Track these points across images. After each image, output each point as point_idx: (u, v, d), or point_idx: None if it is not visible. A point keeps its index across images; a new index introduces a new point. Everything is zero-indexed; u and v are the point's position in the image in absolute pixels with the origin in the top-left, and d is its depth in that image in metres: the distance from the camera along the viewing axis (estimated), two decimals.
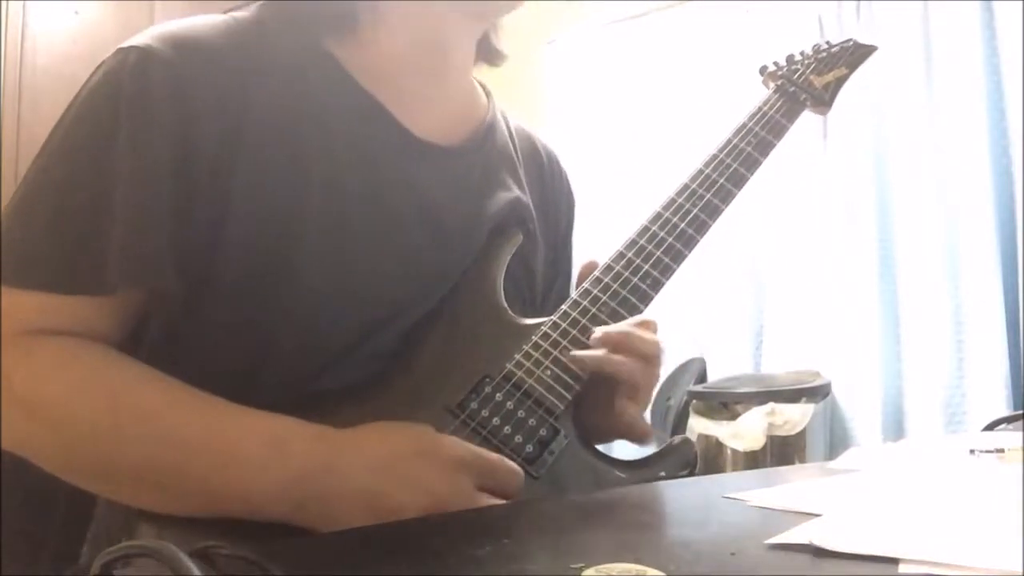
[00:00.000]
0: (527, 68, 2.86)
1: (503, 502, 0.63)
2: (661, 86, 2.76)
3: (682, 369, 2.58)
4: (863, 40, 1.00)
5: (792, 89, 0.92)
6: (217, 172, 0.67)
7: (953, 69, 2.23)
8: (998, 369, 2.09)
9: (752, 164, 0.85)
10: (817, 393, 2.26)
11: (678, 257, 0.79)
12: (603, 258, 0.80)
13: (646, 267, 0.78)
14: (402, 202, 0.74)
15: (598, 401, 0.75)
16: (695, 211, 0.81)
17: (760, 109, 0.90)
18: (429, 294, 0.75)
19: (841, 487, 0.59)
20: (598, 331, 0.74)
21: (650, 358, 0.74)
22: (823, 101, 0.93)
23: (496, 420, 0.70)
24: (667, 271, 0.79)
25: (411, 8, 0.77)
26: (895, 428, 2.27)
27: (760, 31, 2.54)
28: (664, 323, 0.77)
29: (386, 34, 0.77)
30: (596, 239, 1.45)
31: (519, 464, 0.67)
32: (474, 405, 0.70)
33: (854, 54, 0.98)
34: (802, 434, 2.17)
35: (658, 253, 0.79)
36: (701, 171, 0.84)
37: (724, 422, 2.26)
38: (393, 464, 0.61)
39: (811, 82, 0.93)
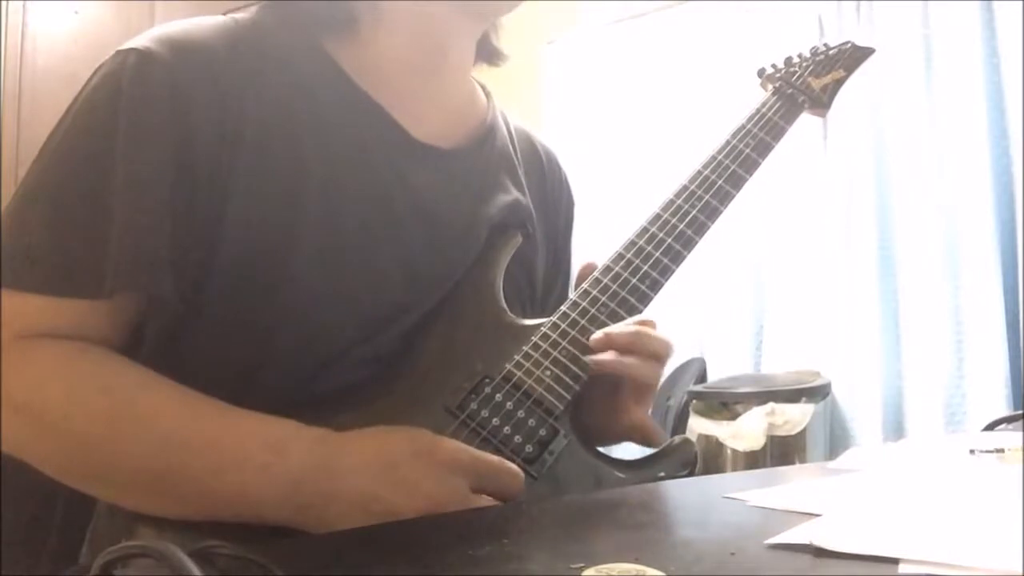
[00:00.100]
0: (527, 68, 2.86)
1: (500, 503, 0.63)
2: (661, 86, 2.76)
3: (682, 369, 2.58)
4: (861, 42, 1.00)
5: (790, 91, 0.92)
6: (216, 173, 0.67)
7: (953, 69, 2.24)
8: (998, 369, 2.10)
9: (750, 166, 0.85)
10: (817, 393, 2.26)
11: (677, 258, 0.79)
12: (602, 259, 0.80)
13: (645, 268, 0.78)
14: (401, 203, 0.74)
15: (601, 402, 0.75)
16: (694, 213, 0.81)
17: (758, 111, 0.90)
18: (428, 295, 0.75)
19: (841, 487, 0.59)
20: (606, 331, 0.73)
21: (661, 357, 0.74)
22: (821, 103, 0.93)
23: (496, 420, 0.70)
24: (666, 272, 0.79)
25: (411, 8, 0.77)
26: (895, 428, 2.27)
27: (760, 31, 2.54)
28: (664, 323, 0.77)
29: (385, 35, 0.77)
30: (596, 240, 1.45)
31: (519, 464, 0.67)
32: (474, 406, 0.70)
33: (852, 56, 0.98)
34: (802, 434, 2.18)
35: (657, 254, 0.79)
36: (700, 173, 0.84)
37: (724, 422, 2.26)
38: (390, 467, 0.61)
39: (809, 84, 0.93)
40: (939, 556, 0.39)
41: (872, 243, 2.32)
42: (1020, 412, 0.93)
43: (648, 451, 0.77)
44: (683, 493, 0.67)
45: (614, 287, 0.77)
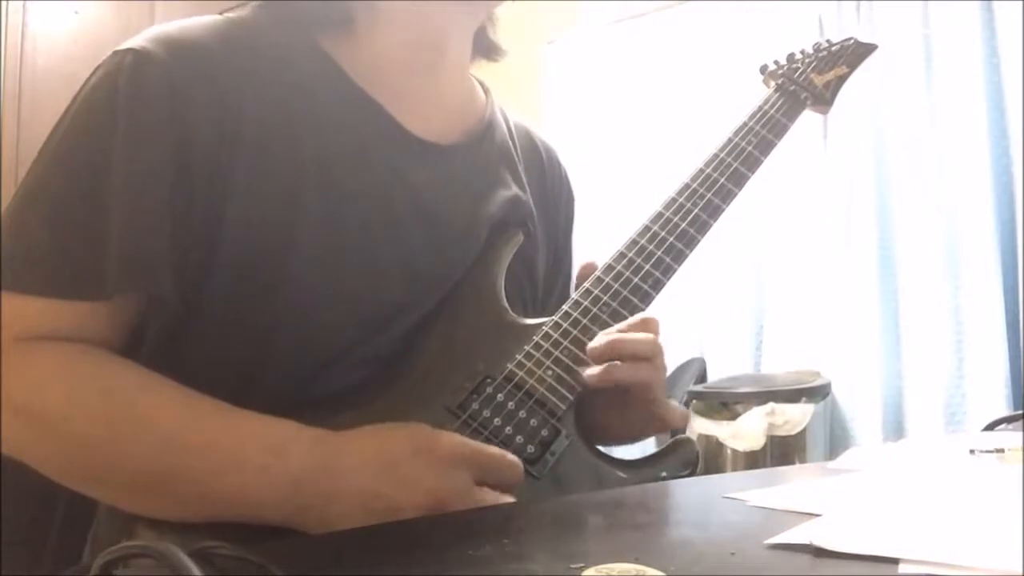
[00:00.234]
0: (527, 68, 2.86)
1: (502, 498, 0.63)
2: (661, 86, 2.76)
3: (682, 369, 2.58)
4: (864, 38, 1.00)
5: (793, 88, 0.92)
6: (214, 173, 0.67)
7: (953, 69, 2.24)
8: (998, 369, 2.10)
9: (753, 163, 0.85)
10: (817, 393, 2.26)
11: (679, 256, 0.79)
12: (604, 258, 0.80)
13: (647, 267, 0.78)
14: (400, 202, 0.74)
15: (610, 402, 0.74)
16: (696, 210, 0.81)
17: (761, 108, 0.90)
18: (428, 294, 0.75)
19: (841, 487, 0.59)
20: (589, 349, 0.73)
21: (645, 357, 0.73)
22: (824, 100, 0.93)
23: (497, 421, 0.70)
24: (669, 271, 0.79)
25: (407, 6, 0.77)
26: (895, 428, 2.27)
27: (760, 31, 2.54)
28: (664, 323, 0.77)
29: (382, 33, 0.77)
30: (596, 239, 1.45)
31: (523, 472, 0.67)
32: (475, 406, 0.70)
33: (855, 53, 0.98)
34: (802, 434, 2.18)
35: (659, 253, 0.79)
36: (702, 170, 0.84)
37: (724, 422, 2.26)
38: (391, 466, 0.61)
39: (812, 81, 0.93)
40: (939, 556, 0.39)
41: (872, 243, 2.32)
42: (1020, 412, 0.93)
43: (649, 451, 0.77)
44: (683, 493, 0.67)
45: (616, 286, 0.77)
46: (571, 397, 0.72)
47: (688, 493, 0.66)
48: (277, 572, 0.36)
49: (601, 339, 0.74)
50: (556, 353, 0.73)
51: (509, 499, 0.63)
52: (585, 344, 0.74)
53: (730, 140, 0.86)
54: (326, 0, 0.76)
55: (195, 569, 0.33)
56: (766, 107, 0.90)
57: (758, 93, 0.93)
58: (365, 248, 0.72)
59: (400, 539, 0.52)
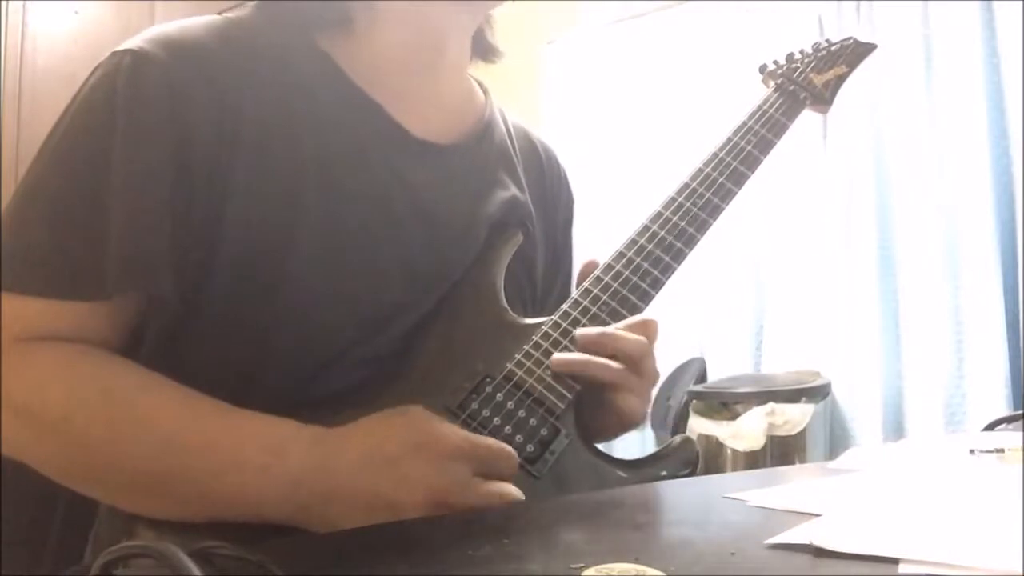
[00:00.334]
0: (527, 68, 2.86)
1: (502, 487, 0.63)
2: (661, 86, 2.76)
3: (682, 369, 2.58)
4: (863, 38, 1.00)
5: (792, 87, 0.92)
6: (214, 173, 0.67)
7: (953, 69, 2.24)
8: (998, 369, 2.10)
9: (753, 163, 0.85)
10: (817, 393, 2.26)
11: (679, 256, 0.79)
12: (604, 257, 0.80)
13: (647, 266, 0.78)
14: (399, 202, 0.74)
15: (596, 400, 0.74)
16: (696, 210, 0.81)
17: (760, 108, 0.90)
18: (427, 294, 0.75)
19: (841, 487, 0.59)
20: (578, 334, 0.73)
21: (632, 357, 0.73)
22: (823, 99, 0.93)
23: (497, 420, 0.70)
24: (668, 270, 0.79)
25: (406, 6, 0.77)
26: (895, 428, 2.27)
27: (760, 31, 2.54)
28: (665, 323, 0.76)
29: (381, 32, 0.77)
30: (596, 239, 1.45)
31: (519, 464, 0.67)
32: (475, 405, 0.70)
33: (854, 52, 0.98)
34: (802, 434, 2.18)
35: (659, 252, 0.79)
36: (701, 170, 0.84)
37: (724, 422, 2.26)
38: (390, 463, 0.61)
39: (811, 80, 0.93)
40: (939, 556, 0.39)
41: (872, 243, 2.32)
42: (1020, 412, 0.93)
43: (649, 451, 0.77)
44: (683, 493, 0.67)
45: (615, 285, 0.77)
46: (569, 396, 0.72)
47: (688, 493, 0.66)
48: (277, 572, 0.36)
49: (594, 328, 0.73)
50: (555, 352, 0.73)
51: (519, 495, 0.63)
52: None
53: (729, 140, 0.86)
54: (325, 0, 0.76)
55: (195, 569, 0.33)
56: (765, 107, 0.90)
57: (757, 93, 0.93)
58: (365, 248, 0.72)
59: (400, 539, 0.52)
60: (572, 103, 2.96)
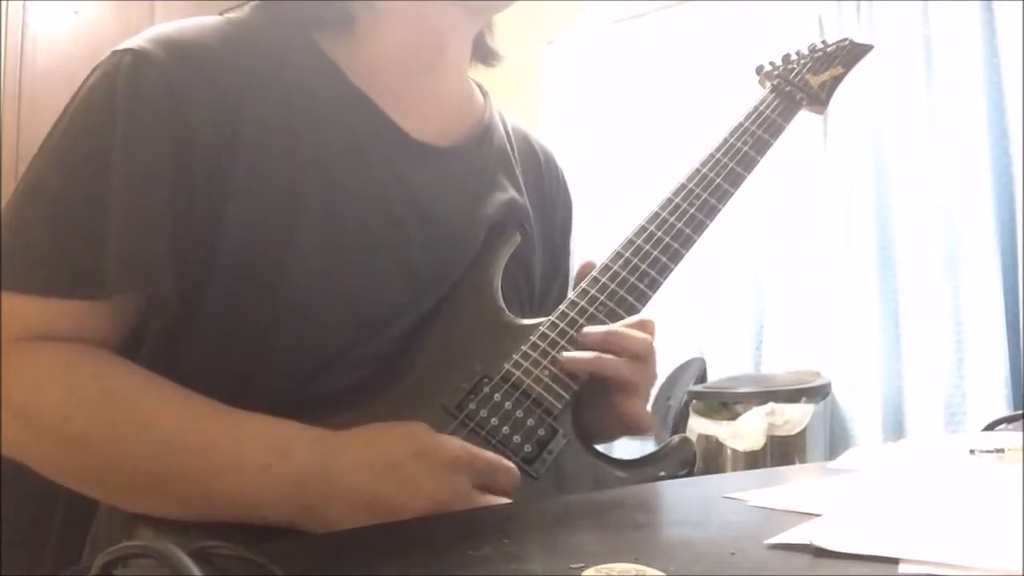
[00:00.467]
0: (527, 68, 2.86)
1: (501, 501, 0.63)
2: (660, 86, 2.77)
3: (682, 369, 2.58)
4: (859, 39, 1.00)
5: (788, 89, 0.92)
6: (214, 173, 0.67)
7: (953, 69, 2.24)
8: (998, 369, 2.10)
9: (749, 164, 0.85)
10: (817, 393, 2.26)
11: (676, 257, 0.79)
12: (601, 258, 0.80)
13: (644, 267, 0.78)
14: (399, 203, 0.74)
15: (597, 400, 0.74)
16: (692, 211, 0.81)
17: (756, 109, 0.90)
18: (427, 295, 0.75)
19: (841, 487, 0.59)
20: (584, 333, 0.74)
21: (639, 355, 0.74)
22: (819, 100, 0.93)
23: (495, 420, 0.70)
24: (665, 271, 0.79)
25: (407, 7, 0.77)
26: (895, 428, 2.27)
27: (760, 31, 2.54)
28: (664, 323, 0.77)
29: (382, 33, 0.77)
30: (594, 239, 1.45)
31: (518, 464, 0.67)
32: (472, 405, 0.70)
33: (850, 53, 0.98)
34: (802, 434, 2.18)
35: (656, 253, 0.79)
36: (698, 171, 0.84)
37: (724, 422, 2.26)
38: (391, 466, 0.61)
39: (807, 81, 0.93)
40: (939, 556, 0.39)
41: (872, 243, 2.32)
42: (1020, 412, 0.93)
43: (647, 451, 0.77)
44: (683, 493, 0.67)
45: (613, 286, 0.77)
46: (567, 396, 0.72)
47: (688, 493, 0.66)
48: (277, 572, 0.36)
49: (599, 328, 0.74)
50: (553, 353, 0.73)
51: (505, 500, 0.63)
52: (581, 344, 0.74)
53: (726, 141, 0.86)
54: (325, 0, 0.76)
55: (195, 569, 0.33)
56: (762, 107, 0.90)
57: (754, 94, 0.93)
58: (364, 248, 0.72)
59: (400, 539, 0.52)
60: (572, 103, 2.96)
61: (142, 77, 0.67)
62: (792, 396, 2.22)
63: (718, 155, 0.85)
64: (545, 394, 0.71)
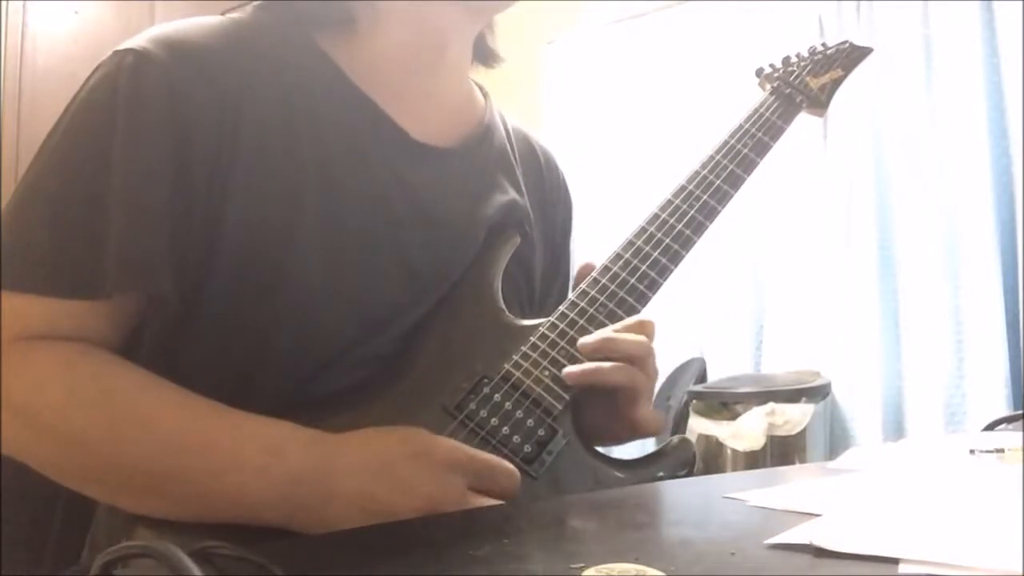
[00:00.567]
0: (527, 68, 2.86)
1: (497, 503, 0.63)
2: (660, 86, 2.76)
3: (682, 369, 2.58)
4: (859, 42, 1.00)
5: (788, 91, 0.92)
6: (214, 174, 0.67)
7: (953, 69, 2.24)
8: (998, 369, 2.10)
9: (748, 165, 0.85)
10: (817, 393, 2.26)
11: (676, 258, 0.79)
12: (601, 260, 0.80)
13: (643, 268, 0.78)
14: (399, 203, 0.74)
15: (604, 406, 0.74)
16: (691, 213, 0.81)
17: (756, 111, 0.90)
18: (427, 295, 0.75)
19: (841, 487, 0.59)
20: (579, 344, 0.73)
21: (637, 358, 0.73)
22: (819, 103, 0.93)
23: (494, 420, 0.70)
24: (664, 272, 0.79)
25: (408, 7, 0.77)
26: (895, 428, 2.27)
27: (760, 32, 2.54)
28: (664, 323, 0.77)
29: (383, 33, 0.77)
30: (594, 240, 1.45)
31: (517, 464, 0.67)
32: (472, 406, 0.70)
33: (850, 56, 0.98)
34: (802, 434, 2.18)
35: (655, 254, 0.79)
36: (697, 173, 0.84)
37: (724, 422, 2.26)
38: (387, 467, 0.61)
39: (807, 84, 0.93)
40: (939, 556, 0.39)
41: (872, 243, 2.32)
42: (1020, 412, 0.93)
43: (646, 451, 0.77)
44: (683, 493, 0.67)
45: (612, 287, 0.77)
46: (567, 397, 0.72)
47: (688, 493, 0.66)
48: (277, 572, 0.37)
49: (594, 335, 0.74)
50: (552, 353, 0.73)
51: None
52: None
53: (725, 142, 0.86)
54: (326, 0, 0.76)
55: (195, 569, 0.33)
56: (761, 109, 0.90)
57: (754, 96, 0.93)
58: (364, 248, 0.72)
59: (400, 539, 0.52)
60: (572, 103, 2.96)
61: (143, 77, 0.67)
62: (792, 396, 2.22)
63: (718, 157, 0.85)
64: (545, 395, 0.71)
